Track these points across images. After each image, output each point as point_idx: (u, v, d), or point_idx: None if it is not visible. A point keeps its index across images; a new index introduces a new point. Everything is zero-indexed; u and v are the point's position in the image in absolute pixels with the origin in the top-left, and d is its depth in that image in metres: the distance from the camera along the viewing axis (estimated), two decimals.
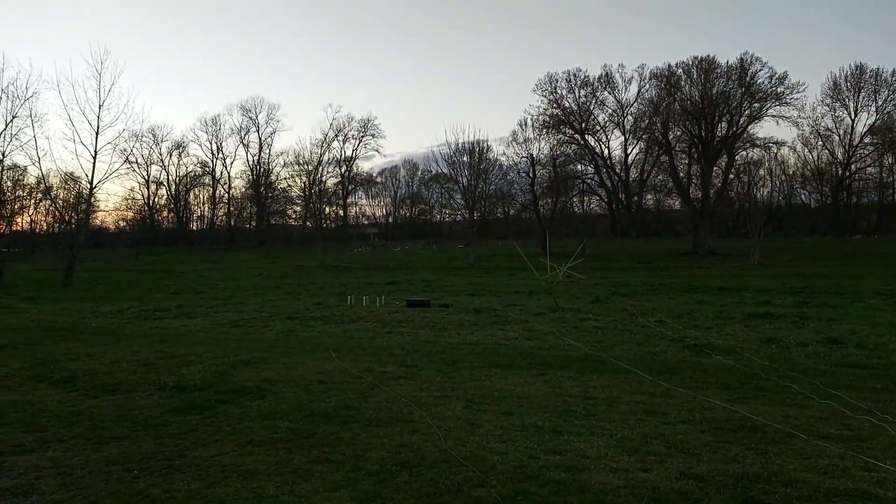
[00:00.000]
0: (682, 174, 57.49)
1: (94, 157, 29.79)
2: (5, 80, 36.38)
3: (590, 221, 64.33)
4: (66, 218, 43.47)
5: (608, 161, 70.25)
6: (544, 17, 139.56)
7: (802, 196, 75.90)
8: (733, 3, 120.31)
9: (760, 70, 51.97)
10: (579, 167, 64.72)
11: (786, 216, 70.35)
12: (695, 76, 55.08)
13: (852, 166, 68.71)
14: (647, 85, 64.69)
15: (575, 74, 66.36)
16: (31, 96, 31.25)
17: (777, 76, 51.54)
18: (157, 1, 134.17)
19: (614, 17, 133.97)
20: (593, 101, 67.66)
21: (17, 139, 31.60)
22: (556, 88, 64.95)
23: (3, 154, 32.26)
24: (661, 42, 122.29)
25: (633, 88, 70.05)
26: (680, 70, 56.44)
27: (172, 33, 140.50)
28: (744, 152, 56.88)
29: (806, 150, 71.65)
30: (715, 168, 54.32)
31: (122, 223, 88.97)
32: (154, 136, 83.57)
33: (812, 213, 74.59)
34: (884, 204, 69.35)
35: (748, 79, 51.89)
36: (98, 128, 29.54)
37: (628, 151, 75.19)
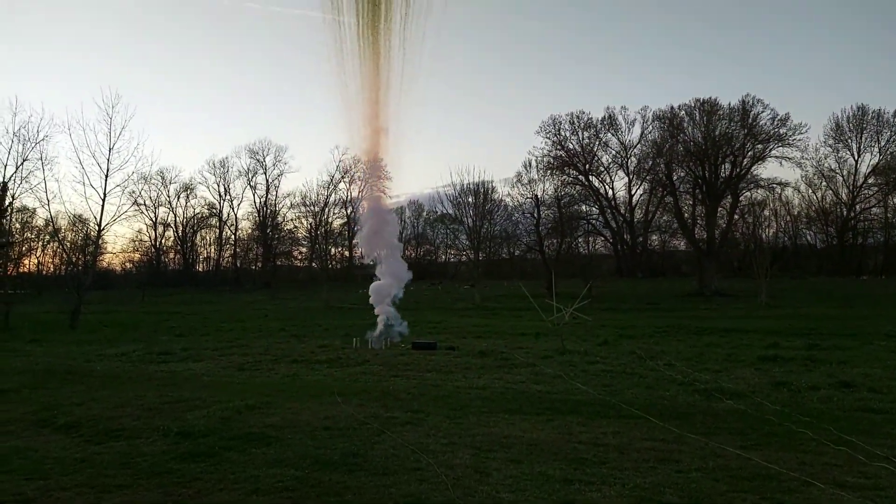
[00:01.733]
0: (686, 215, 57.70)
1: (103, 200, 30.14)
2: (17, 124, 36.75)
3: (595, 262, 64.14)
4: (74, 259, 43.62)
5: (612, 202, 70.70)
6: (548, 60, 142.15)
7: (808, 236, 75.91)
8: (735, 47, 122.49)
9: (762, 112, 52.80)
10: (584, 208, 64.96)
11: (792, 257, 70.16)
12: (697, 118, 55.92)
13: (857, 206, 68.82)
14: (651, 126, 65.71)
15: (578, 116, 67.28)
16: (43, 139, 31.49)
17: (779, 118, 52.36)
18: (169, 44, 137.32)
19: (617, 60, 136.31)
20: (597, 143, 68.45)
21: (27, 182, 31.96)
22: (559, 130, 65.80)
23: (13, 196, 32.66)
24: (664, 85, 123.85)
25: (637, 130, 70.86)
26: (682, 112, 57.38)
27: (183, 76, 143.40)
28: (748, 193, 57.17)
29: (810, 190, 71.93)
30: (719, 208, 54.52)
31: (128, 265, 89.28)
32: (162, 178, 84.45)
33: (818, 253, 74.38)
34: (890, 244, 69.12)
35: (750, 120, 52.60)
36: (108, 171, 29.95)
37: (632, 192, 75.59)
